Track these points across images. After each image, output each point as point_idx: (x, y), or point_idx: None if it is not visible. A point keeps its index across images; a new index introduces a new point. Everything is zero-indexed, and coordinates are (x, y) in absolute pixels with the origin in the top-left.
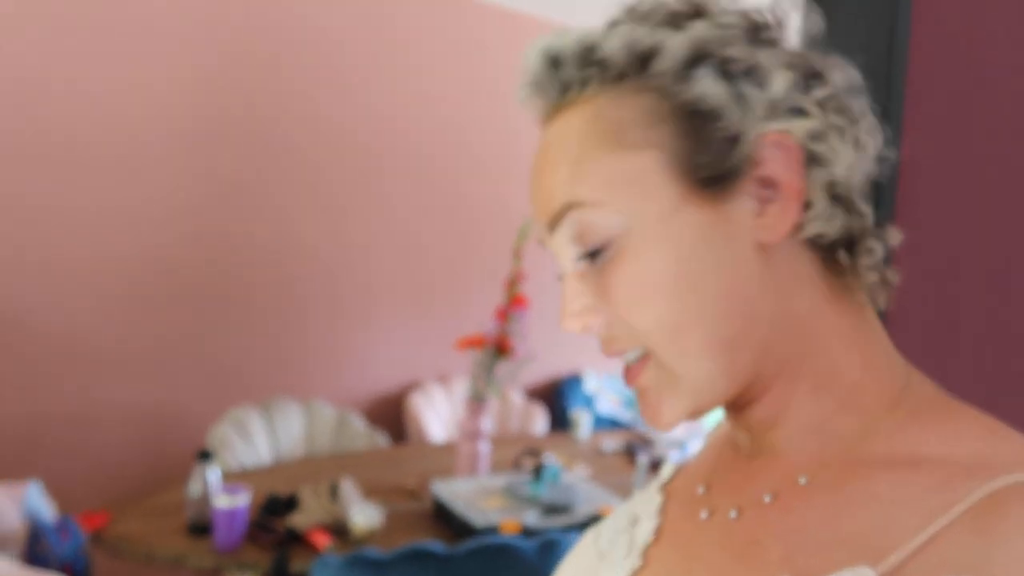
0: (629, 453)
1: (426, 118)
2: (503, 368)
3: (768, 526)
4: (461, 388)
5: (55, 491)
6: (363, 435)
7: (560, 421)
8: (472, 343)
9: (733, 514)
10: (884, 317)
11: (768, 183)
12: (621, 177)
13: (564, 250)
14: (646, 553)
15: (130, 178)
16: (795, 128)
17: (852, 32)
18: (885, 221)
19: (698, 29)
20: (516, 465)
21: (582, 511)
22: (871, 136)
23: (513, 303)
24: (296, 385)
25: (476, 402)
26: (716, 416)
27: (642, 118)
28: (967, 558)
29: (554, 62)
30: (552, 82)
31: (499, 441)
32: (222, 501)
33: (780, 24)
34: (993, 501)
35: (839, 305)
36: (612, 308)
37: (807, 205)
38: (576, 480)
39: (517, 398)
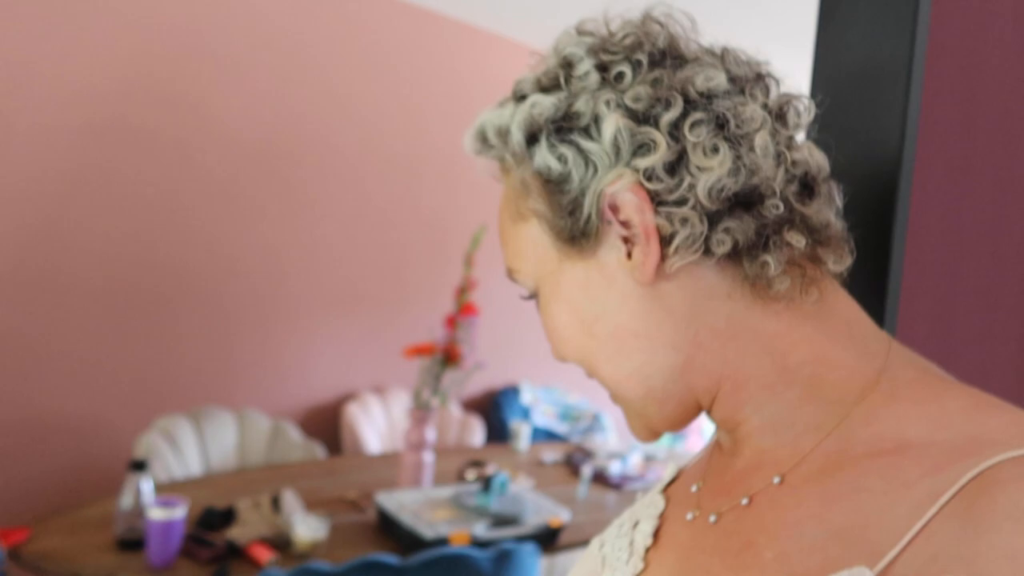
0: (570, 464)
1: (362, 123)
2: (450, 377)
3: (760, 525)
4: (398, 399)
5: None
6: (299, 446)
7: (496, 433)
8: (421, 351)
9: (712, 518)
10: (894, 315)
11: (629, 226)
12: (523, 244)
13: None
14: (646, 556)
15: (47, 186)
16: (641, 165)
17: (871, 35)
18: (901, 221)
19: (529, 104)
20: (460, 476)
21: (531, 522)
22: (761, 124)
23: (463, 311)
24: (228, 394)
25: (420, 411)
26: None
27: (522, 191)
28: (956, 549)
29: (482, 138)
30: (487, 156)
31: (438, 452)
32: (157, 513)
33: (630, 56)
34: (981, 484)
35: (771, 305)
36: None
37: (671, 236)
38: (523, 491)
39: (455, 410)
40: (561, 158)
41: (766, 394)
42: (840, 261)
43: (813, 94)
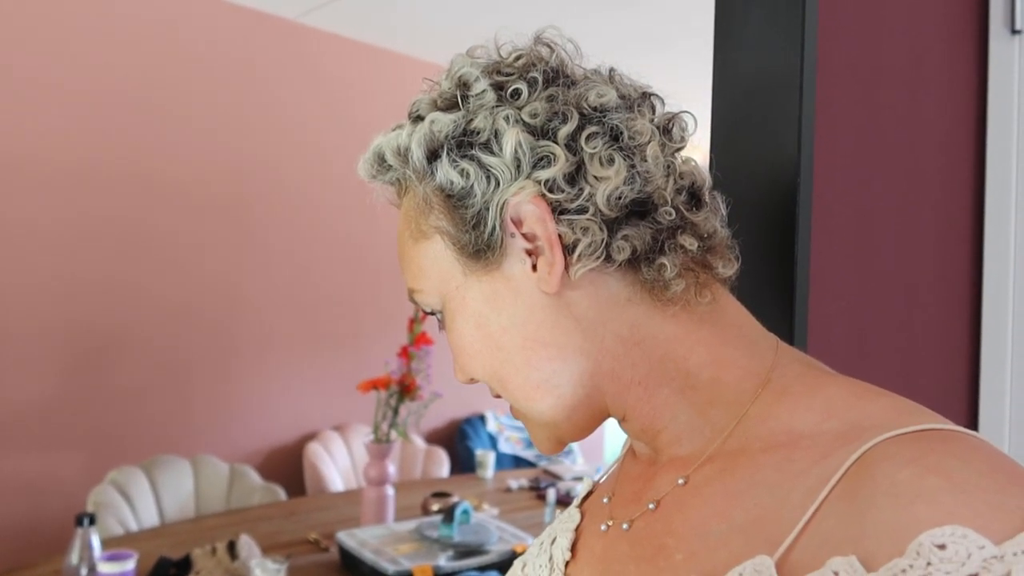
0: (536, 489)
1: (311, 159)
2: (408, 409)
3: (668, 528)
4: (359, 435)
5: None
6: (258, 489)
7: (463, 463)
8: (375, 384)
9: (625, 526)
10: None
11: (532, 238)
12: (425, 262)
13: None
14: (566, 570)
15: None
16: (542, 177)
17: (763, 43)
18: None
19: (429, 121)
20: (424, 509)
21: (495, 550)
22: (650, 137)
23: (417, 341)
24: (185, 442)
25: (380, 445)
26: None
27: (421, 210)
28: (844, 530)
29: (380, 160)
30: (384, 180)
31: (403, 486)
32: (106, 567)
33: (525, 75)
34: (862, 465)
35: (668, 310)
36: None
37: (573, 245)
38: (487, 520)
39: (419, 442)
40: (463, 173)
41: (678, 399)
42: (728, 266)
43: (714, 109)
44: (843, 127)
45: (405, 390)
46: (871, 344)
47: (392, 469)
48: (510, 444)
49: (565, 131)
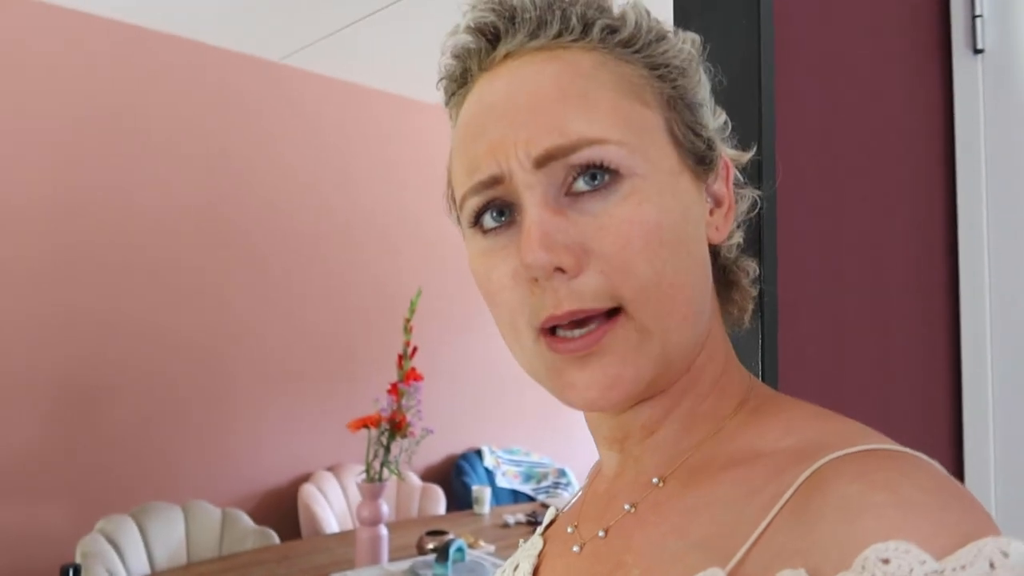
0: (533, 524)
1: (299, 197)
2: (399, 446)
3: (627, 546)
4: (353, 475)
5: None
6: (252, 533)
7: (461, 500)
8: (366, 423)
9: (601, 533)
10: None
11: (715, 193)
12: (636, 123)
13: (541, 185)
14: None
15: None
16: (733, 157)
17: (722, 48)
18: (770, 254)
19: (691, 42)
20: (419, 548)
21: None
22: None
23: (407, 377)
24: (175, 488)
25: (372, 485)
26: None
27: (649, 86)
28: (795, 543)
29: (615, 23)
30: (552, 17)
31: (399, 525)
32: None
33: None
34: (815, 481)
35: (720, 317)
36: (607, 250)
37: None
38: (482, 557)
39: (415, 480)
40: (707, 98)
41: (689, 405)
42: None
43: None
44: (803, 154)
45: (396, 427)
46: (847, 374)
47: (385, 508)
48: (507, 478)
49: (717, 124)
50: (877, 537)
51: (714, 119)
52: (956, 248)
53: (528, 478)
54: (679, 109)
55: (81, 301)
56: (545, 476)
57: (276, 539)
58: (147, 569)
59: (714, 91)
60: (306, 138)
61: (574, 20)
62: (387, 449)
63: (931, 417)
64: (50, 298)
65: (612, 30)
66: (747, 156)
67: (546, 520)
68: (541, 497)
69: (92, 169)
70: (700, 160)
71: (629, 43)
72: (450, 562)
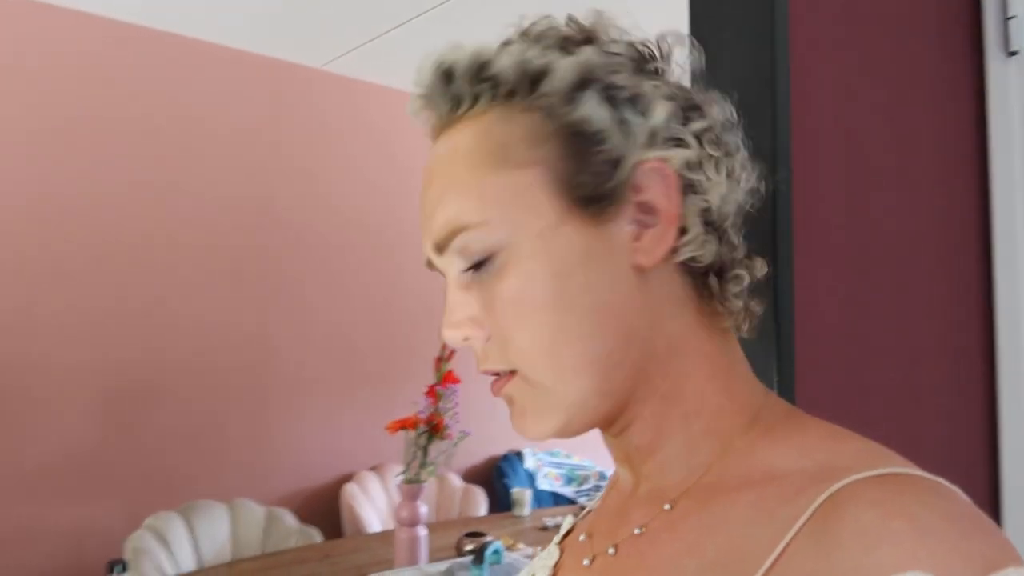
0: None
1: (344, 202)
2: (437, 448)
3: (641, 563)
4: (396, 475)
5: None
6: (295, 532)
7: (501, 501)
8: (404, 424)
9: (611, 551)
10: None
11: (646, 208)
12: (505, 193)
13: (451, 265)
14: None
15: (19, 276)
16: (673, 157)
17: (734, 65)
18: (785, 248)
19: (586, 54)
20: (458, 549)
21: None
22: (744, 169)
23: (444, 380)
24: (221, 486)
25: (411, 486)
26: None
27: (528, 136)
28: (811, 568)
29: (447, 76)
30: (444, 95)
31: (439, 526)
32: None
33: (665, 57)
34: (831, 505)
35: (706, 330)
36: (494, 321)
37: (682, 231)
38: (519, 559)
39: (456, 481)
40: (608, 117)
41: (681, 424)
42: (758, 305)
43: None
44: (829, 155)
45: (433, 429)
46: (868, 382)
47: (424, 509)
48: (548, 481)
49: (698, 126)
50: (896, 568)
51: (644, 120)
52: (990, 256)
53: (569, 481)
54: (569, 142)
55: (131, 302)
56: (586, 479)
57: (319, 538)
58: (193, 565)
59: (714, 91)
60: (350, 146)
61: (463, 94)
62: (425, 451)
63: (964, 436)
64: (102, 299)
65: (494, 85)
66: (684, 154)
67: (563, 529)
68: (582, 500)
69: (150, 168)
70: (596, 197)
71: (512, 94)
72: (486, 564)
